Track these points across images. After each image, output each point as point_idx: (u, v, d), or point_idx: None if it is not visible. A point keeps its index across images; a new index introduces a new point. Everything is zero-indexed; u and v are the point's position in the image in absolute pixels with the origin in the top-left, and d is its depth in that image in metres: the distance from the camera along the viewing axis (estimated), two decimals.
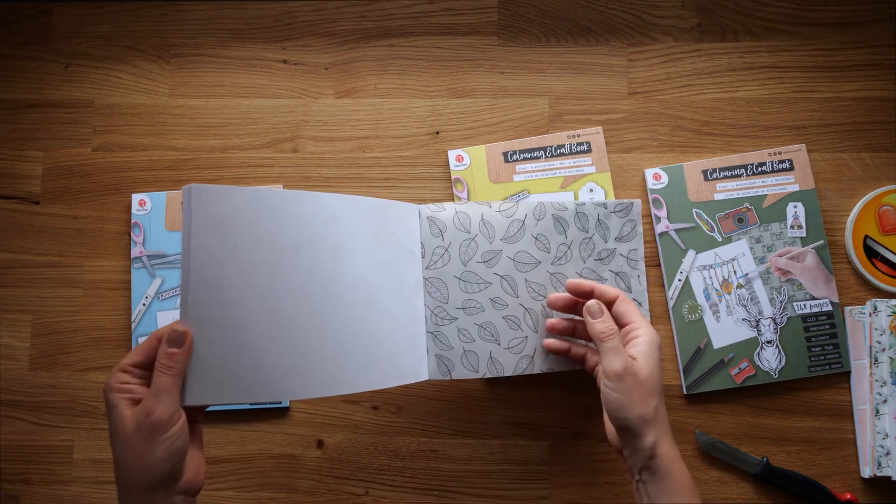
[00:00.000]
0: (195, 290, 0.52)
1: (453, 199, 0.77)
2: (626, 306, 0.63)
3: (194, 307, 0.52)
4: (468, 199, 0.76)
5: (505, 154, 0.77)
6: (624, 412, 0.58)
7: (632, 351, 0.60)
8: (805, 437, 0.73)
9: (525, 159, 0.76)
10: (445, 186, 0.78)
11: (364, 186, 0.78)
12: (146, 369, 0.52)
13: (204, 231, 0.53)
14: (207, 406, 0.57)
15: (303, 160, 0.79)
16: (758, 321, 0.73)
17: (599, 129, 0.77)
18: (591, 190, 0.76)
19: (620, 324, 0.63)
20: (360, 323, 0.61)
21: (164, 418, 0.49)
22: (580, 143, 0.76)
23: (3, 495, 0.76)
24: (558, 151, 0.76)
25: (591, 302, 0.63)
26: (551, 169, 0.76)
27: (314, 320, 0.58)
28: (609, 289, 0.64)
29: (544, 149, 0.76)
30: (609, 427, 0.63)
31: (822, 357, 0.73)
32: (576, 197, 0.76)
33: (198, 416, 0.56)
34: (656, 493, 0.57)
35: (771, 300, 0.74)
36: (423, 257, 0.67)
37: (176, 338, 0.51)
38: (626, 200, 0.73)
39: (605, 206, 0.72)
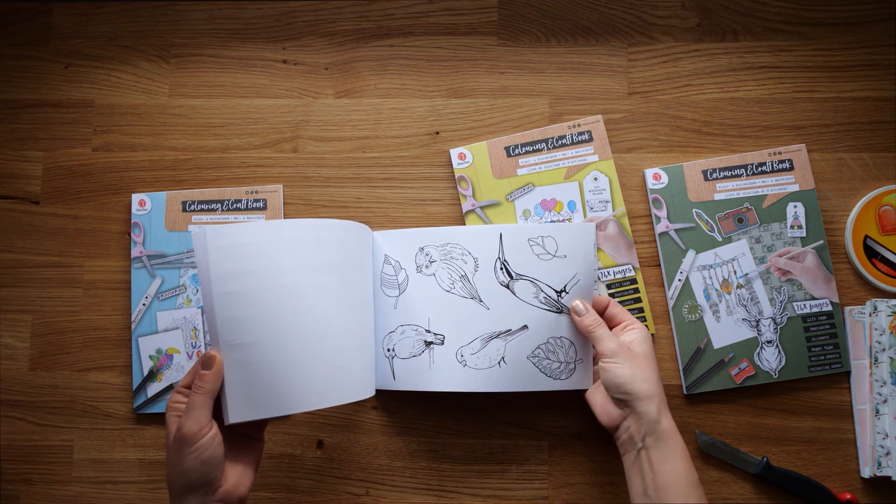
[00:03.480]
0: (221, 322, 0.59)
1: (458, 199, 0.77)
2: (618, 308, 0.70)
3: (222, 336, 0.59)
4: (473, 196, 0.76)
5: (507, 149, 0.77)
6: (630, 380, 0.63)
7: (625, 338, 0.67)
8: (805, 437, 0.73)
9: (527, 153, 0.76)
10: (445, 186, 0.78)
11: (364, 186, 0.78)
12: None
13: (220, 267, 0.58)
14: (264, 425, 0.65)
15: (303, 160, 0.78)
16: (758, 321, 0.73)
17: (599, 117, 0.76)
18: (596, 178, 0.76)
19: (614, 323, 0.70)
20: (343, 340, 0.66)
21: (192, 432, 0.56)
22: (581, 133, 0.76)
23: (3, 495, 0.76)
24: (560, 142, 0.76)
25: (576, 302, 0.68)
26: (554, 160, 0.76)
27: (312, 338, 0.62)
28: (602, 297, 0.71)
29: (545, 140, 0.76)
30: (604, 408, 0.66)
31: (822, 357, 0.73)
32: (580, 186, 0.76)
33: (256, 434, 0.63)
34: (659, 458, 0.61)
35: (771, 300, 0.74)
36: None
37: (206, 361, 0.59)
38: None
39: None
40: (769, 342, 0.73)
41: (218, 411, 0.60)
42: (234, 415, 0.59)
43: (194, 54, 0.80)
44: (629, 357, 0.64)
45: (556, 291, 0.69)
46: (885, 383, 0.71)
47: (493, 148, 0.77)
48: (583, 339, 0.69)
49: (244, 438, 0.63)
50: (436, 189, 0.78)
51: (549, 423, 0.75)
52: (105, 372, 0.77)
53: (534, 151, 0.76)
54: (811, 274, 0.74)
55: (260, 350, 0.60)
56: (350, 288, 0.66)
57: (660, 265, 0.75)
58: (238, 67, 0.80)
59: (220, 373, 0.59)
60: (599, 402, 0.67)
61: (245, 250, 0.60)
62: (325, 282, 0.63)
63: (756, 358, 0.73)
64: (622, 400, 0.64)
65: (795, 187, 0.75)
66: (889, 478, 0.70)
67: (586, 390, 0.69)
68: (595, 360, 0.70)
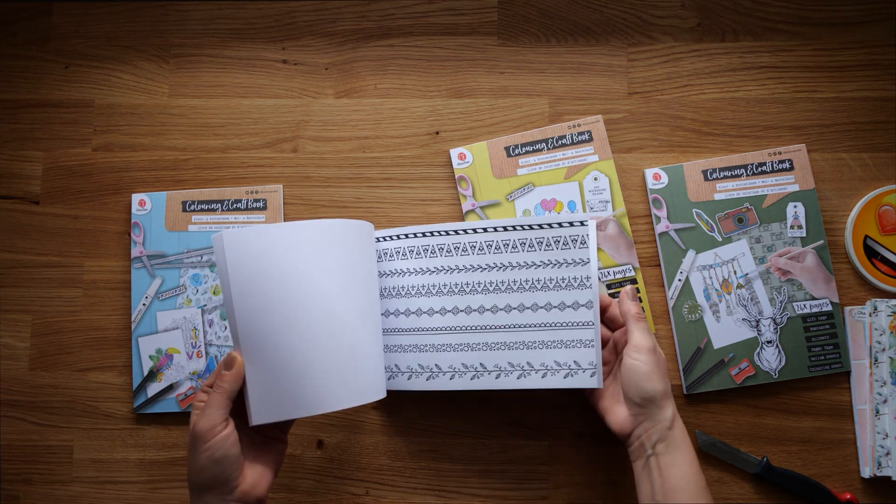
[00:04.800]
0: (241, 326, 0.59)
1: (458, 199, 0.77)
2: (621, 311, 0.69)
3: (242, 340, 0.59)
4: (473, 196, 0.76)
5: (507, 149, 0.77)
6: (652, 383, 0.63)
7: None
8: (805, 437, 0.73)
9: (527, 153, 0.76)
10: (445, 186, 0.78)
11: (364, 186, 0.78)
12: None
13: (238, 271, 0.59)
14: (287, 427, 0.65)
15: (303, 160, 0.79)
16: (758, 321, 0.73)
17: (599, 117, 0.76)
18: (596, 178, 0.76)
19: (618, 325, 0.69)
20: (357, 340, 0.65)
21: (204, 430, 0.57)
22: (581, 133, 0.76)
23: (3, 495, 0.76)
24: (560, 142, 0.76)
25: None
26: (554, 161, 0.76)
27: (329, 340, 0.62)
28: (604, 297, 0.70)
29: (545, 140, 0.76)
30: (616, 415, 0.65)
31: (822, 357, 0.73)
32: (580, 186, 0.76)
33: (279, 435, 0.64)
34: (668, 463, 0.61)
35: (771, 300, 0.74)
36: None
37: (228, 361, 0.59)
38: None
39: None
40: (769, 342, 0.73)
41: (243, 412, 0.61)
42: (257, 416, 0.60)
43: (194, 54, 0.80)
44: (655, 361, 0.64)
45: None
46: (885, 383, 0.71)
47: (493, 148, 0.77)
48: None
49: (266, 439, 0.63)
50: (436, 189, 0.78)
51: (549, 423, 0.75)
52: (105, 372, 0.77)
53: (534, 151, 0.76)
54: (811, 274, 0.74)
55: (280, 353, 0.60)
56: (361, 287, 0.66)
57: (660, 265, 0.75)
58: (238, 67, 0.80)
59: (239, 373, 0.59)
60: (610, 407, 0.66)
61: (262, 253, 0.60)
62: (340, 282, 0.63)
63: (756, 358, 0.73)
64: (638, 404, 0.63)
65: (795, 187, 0.75)
66: (889, 478, 0.70)
67: (594, 397, 0.69)
68: (606, 360, 0.69)
